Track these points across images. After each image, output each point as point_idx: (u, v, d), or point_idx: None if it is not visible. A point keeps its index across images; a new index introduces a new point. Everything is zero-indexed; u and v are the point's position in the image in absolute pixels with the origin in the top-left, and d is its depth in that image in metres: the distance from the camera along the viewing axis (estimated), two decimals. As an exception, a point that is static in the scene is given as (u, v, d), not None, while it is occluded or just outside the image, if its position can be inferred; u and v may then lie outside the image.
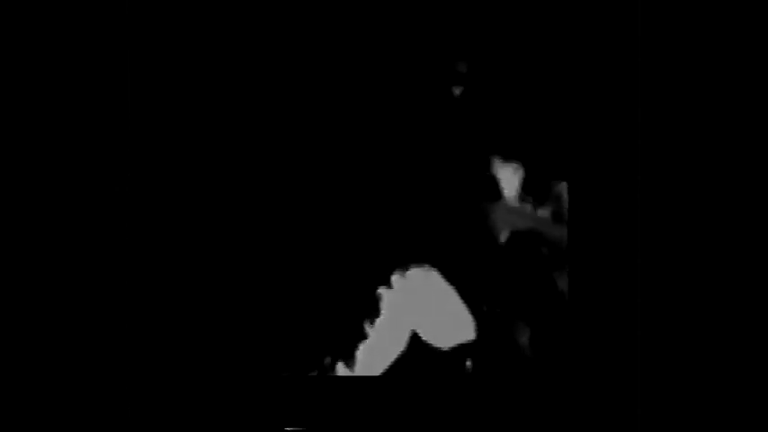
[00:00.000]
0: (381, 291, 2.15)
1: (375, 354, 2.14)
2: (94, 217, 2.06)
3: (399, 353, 2.14)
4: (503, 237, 2.14)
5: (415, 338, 2.15)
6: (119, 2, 2.08)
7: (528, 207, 2.13)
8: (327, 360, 2.13)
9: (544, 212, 2.13)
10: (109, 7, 2.07)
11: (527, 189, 2.14)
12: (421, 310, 2.14)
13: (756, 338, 1.97)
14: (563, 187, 2.11)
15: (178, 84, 2.13)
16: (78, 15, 2.07)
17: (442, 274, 2.15)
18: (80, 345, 2.05)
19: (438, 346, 2.14)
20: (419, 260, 2.15)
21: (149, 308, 2.09)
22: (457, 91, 2.16)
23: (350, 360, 2.13)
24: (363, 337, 2.14)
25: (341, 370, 2.13)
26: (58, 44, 2.07)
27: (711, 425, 1.97)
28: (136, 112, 2.10)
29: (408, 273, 2.14)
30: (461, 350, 2.13)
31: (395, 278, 2.15)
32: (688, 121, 2.01)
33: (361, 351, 2.14)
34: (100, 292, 2.05)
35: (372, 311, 2.14)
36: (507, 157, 2.15)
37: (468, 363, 2.13)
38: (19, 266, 2.05)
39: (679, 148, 2.01)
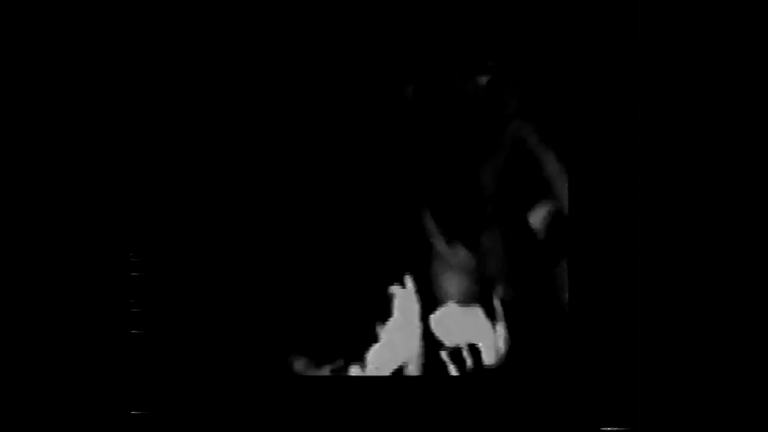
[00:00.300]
0: (393, 289, 2.15)
1: (386, 354, 2.14)
2: (94, 217, 2.06)
3: (411, 352, 2.15)
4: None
5: (426, 337, 2.16)
6: (119, 2, 2.07)
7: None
8: (340, 361, 2.14)
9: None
10: (109, 7, 2.07)
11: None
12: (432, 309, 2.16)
13: (756, 336, 1.98)
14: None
15: (178, 84, 2.13)
16: (78, 15, 2.06)
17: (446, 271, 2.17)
18: (81, 343, 2.05)
19: (446, 344, 2.15)
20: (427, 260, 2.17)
21: (157, 309, 2.09)
22: (472, 84, 2.16)
23: (361, 360, 2.14)
24: (375, 337, 2.15)
25: (353, 370, 2.13)
26: (58, 44, 2.06)
27: (710, 422, 1.98)
28: (136, 112, 2.09)
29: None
30: (466, 348, 2.14)
31: (408, 278, 2.16)
32: (688, 121, 2.01)
33: (373, 351, 2.15)
34: (102, 291, 2.06)
35: (384, 311, 2.15)
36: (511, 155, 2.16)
37: (469, 361, 2.14)
38: (19, 265, 2.05)
39: (679, 149, 2.02)
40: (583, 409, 2.04)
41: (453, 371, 2.14)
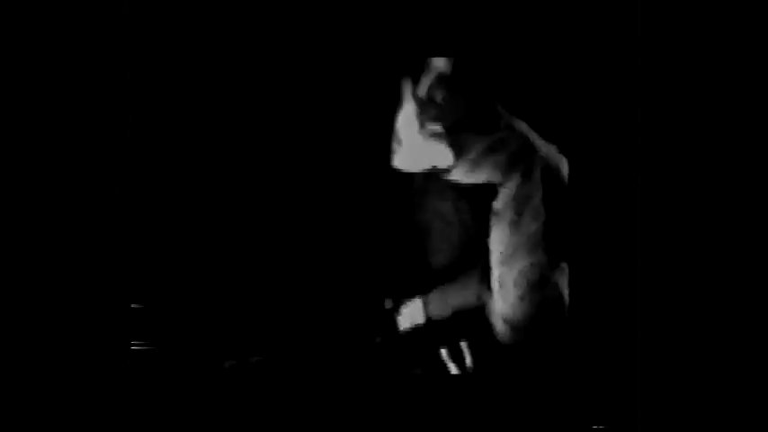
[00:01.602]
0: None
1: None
2: (94, 217, 2.07)
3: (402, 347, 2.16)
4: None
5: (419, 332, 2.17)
6: (119, 2, 2.07)
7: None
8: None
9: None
10: (109, 7, 2.07)
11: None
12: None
13: (756, 337, 1.99)
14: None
15: (177, 84, 2.13)
16: (78, 15, 2.06)
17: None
18: (80, 344, 2.05)
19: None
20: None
21: (155, 309, 2.10)
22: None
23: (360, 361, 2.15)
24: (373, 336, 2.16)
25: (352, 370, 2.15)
26: (58, 44, 2.06)
27: (711, 422, 1.99)
28: (136, 112, 2.10)
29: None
30: (461, 346, 2.15)
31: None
32: (688, 121, 2.02)
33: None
34: (101, 291, 2.06)
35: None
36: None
37: (469, 362, 2.14)
38: (19, 265, 2.05)
39: (679, 149, 2.02)
40: (581, 408, 2.05)
41: (453, 369, 2.14)
